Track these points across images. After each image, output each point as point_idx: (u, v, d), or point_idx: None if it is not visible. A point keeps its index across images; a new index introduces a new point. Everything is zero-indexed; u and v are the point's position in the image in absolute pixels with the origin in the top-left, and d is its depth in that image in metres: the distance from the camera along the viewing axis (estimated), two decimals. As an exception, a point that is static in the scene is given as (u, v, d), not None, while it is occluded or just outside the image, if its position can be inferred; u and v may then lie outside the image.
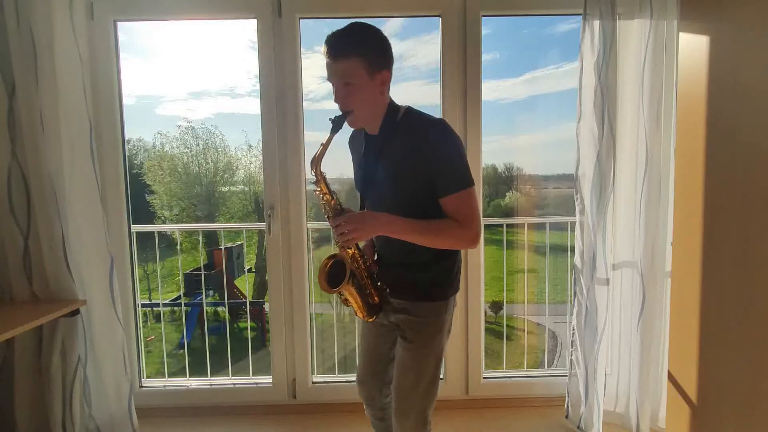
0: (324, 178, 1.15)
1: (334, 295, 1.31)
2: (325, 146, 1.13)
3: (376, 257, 1.35)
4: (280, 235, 2.02)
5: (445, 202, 1.13)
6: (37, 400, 1.75)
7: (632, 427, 1.85)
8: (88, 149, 1.76)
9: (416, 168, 1.13)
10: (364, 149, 1.27)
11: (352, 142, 1.38)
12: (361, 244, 1.32)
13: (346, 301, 1.29)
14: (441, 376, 2.10)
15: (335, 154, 1.21)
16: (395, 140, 1.17)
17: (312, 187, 1.22)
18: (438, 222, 1.13)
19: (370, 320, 1.30)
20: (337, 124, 1.12)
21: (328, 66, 1.12)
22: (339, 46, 1.09)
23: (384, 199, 1.21)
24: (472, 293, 2.05)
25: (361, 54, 1.09)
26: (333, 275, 1.23)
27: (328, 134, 1.13)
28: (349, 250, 1.21)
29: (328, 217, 1.18)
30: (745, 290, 1.31)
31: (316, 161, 1.13)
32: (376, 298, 1.29)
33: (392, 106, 1.20)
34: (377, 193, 1.23)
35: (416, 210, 1.14)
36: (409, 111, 1.21)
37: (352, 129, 1.32)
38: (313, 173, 1.15)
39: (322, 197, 1.17)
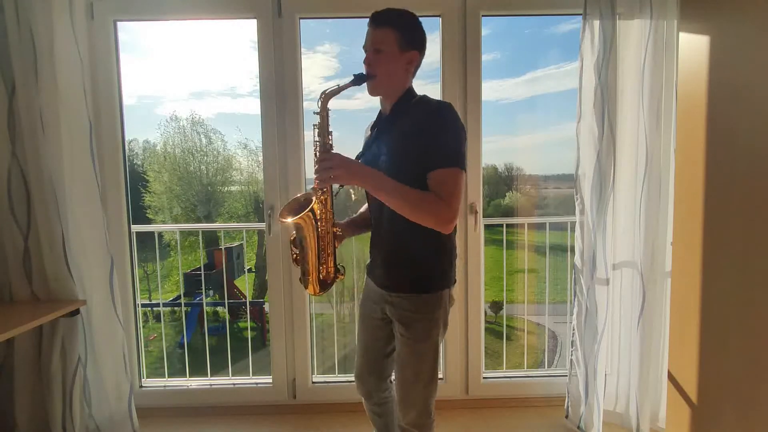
0: (327, 114, 1.20)
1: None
2: (340, 88, 1.19)
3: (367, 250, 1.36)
4: (280, 235, 2.02)
5: (432, 176, 1.14)
6: (37, 400, 1.75)
7: (632, 427, 1.85)
8: (88, 149, 1.76)
9: (412, 142, 1.16)
10: (372, 127, 1.34)
11: (366, 133, 1.41)
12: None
13: (297, 260, 1.29)
14: (441, 376, 2.10)
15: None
16: (403, 120, 1.22)
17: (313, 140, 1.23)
18: (420, 191, 1.13)
19: (316, 293, 1.30)
20: (357, 80, 1.19)
21: (368, 34, 1.22)
22: (381, 15, 1.21)
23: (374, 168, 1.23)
24: (472, 293, 2.05)
25: (397, 27, 1.19)
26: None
27: (347, 82, 1.19)
28: (323, 197, 1.23)
29: (316, 155, 1.20)
30: (745, 290, 1.31)
31: (327, 96, 1.18)
32: (331, 271, 1.29)
33: (410, 91, 1.26)
34: (369, 163, 1.24)
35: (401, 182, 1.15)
36: (424, 97, 1.26)
37: (367, 123, 1.39)
38: (319, 104, 1.19)
39: (319, 132, 1.20)
